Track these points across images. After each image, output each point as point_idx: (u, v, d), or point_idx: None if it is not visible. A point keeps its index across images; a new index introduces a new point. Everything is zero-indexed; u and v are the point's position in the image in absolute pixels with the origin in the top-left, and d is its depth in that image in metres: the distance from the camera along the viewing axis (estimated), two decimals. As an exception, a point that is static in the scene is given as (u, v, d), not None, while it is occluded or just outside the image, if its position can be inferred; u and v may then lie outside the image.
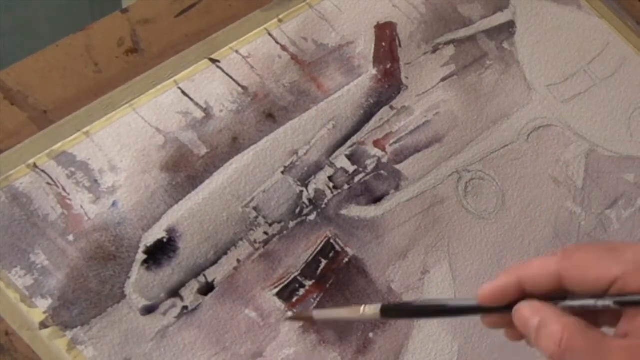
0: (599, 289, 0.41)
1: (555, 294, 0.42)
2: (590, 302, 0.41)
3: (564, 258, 0.42)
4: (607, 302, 0.40)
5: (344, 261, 0.61)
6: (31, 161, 0.56)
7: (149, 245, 0.57)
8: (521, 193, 0.68)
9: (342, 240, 0.61)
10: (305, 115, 0.64)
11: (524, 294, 0.43)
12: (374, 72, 0.67)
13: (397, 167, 0.65)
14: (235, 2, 0.68)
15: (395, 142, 0.66)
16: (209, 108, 0.62)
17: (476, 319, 0.62)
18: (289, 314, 0.57)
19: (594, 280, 0.41)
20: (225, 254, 0.58)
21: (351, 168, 0.64)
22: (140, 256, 0.56)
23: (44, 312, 0.53)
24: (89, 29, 0.63)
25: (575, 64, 0.74)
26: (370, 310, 0.45)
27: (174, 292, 0.56)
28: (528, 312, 0.42)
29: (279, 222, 0.60)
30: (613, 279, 0.40)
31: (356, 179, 0.64)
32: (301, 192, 0.62)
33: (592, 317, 0.43)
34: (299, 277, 0.59)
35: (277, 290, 0.58)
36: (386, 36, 0.69)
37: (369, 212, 0.63)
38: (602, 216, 0.70)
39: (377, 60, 0.68)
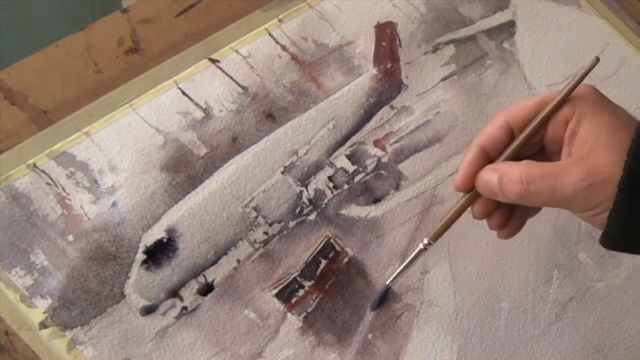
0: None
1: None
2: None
3: (507, 110, 0.50)
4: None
5: (344, 261, 0.61)
6: (31, 161, 0.57)
7: (148, 245, 0.57)
8: (521, 193, 0.67)
9: (342, 240, 0.61)
10: (305, 115, 0.64)
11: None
12: (374, 71, 0.67)
13: (397, 166, 0.65)
14: (235, 2, 0.68)
15: (395, 142, 0.66)
16: (209, 108, 0.62)
17: (476, 319, 0.63)
18: None
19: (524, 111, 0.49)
20: (225, 254, 0.58)
21: (351, 168, 0.64)
22: (140, 256, 0.56)
23: (44, 312, 0.53)
24: (89, 28, 0.63)
25: (575, 64, 0.74)
26: None
27: (174, 293, 0.56)
28: (487, 174, 0.48)
29: (279, 222, 0.60)
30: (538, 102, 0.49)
31: (356, 179, 0.64)
32: (301, 192, 0.62)
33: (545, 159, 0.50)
34: (298, 278, 0.59)
35: (276, 290, 0.58)
36: (386, 36, 0.69)
37: (369, 212, 0.63)
38: (602, 216, 0.69)
39: (377, 60, 0.68)
